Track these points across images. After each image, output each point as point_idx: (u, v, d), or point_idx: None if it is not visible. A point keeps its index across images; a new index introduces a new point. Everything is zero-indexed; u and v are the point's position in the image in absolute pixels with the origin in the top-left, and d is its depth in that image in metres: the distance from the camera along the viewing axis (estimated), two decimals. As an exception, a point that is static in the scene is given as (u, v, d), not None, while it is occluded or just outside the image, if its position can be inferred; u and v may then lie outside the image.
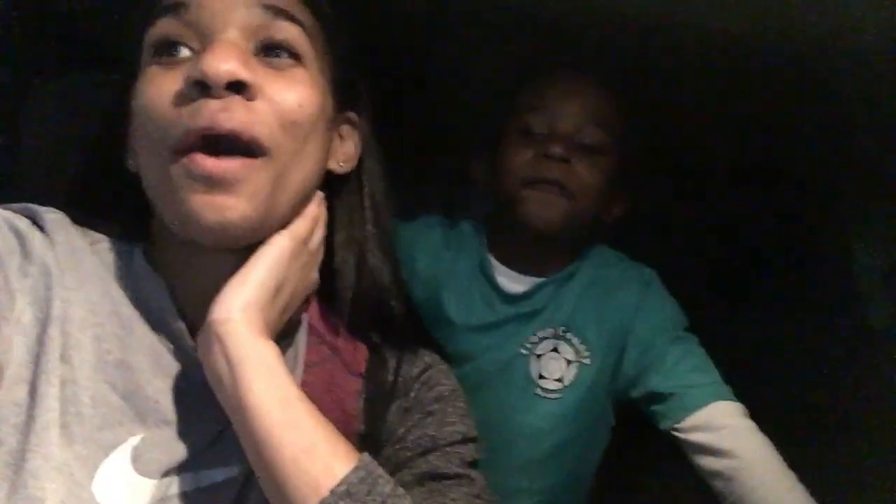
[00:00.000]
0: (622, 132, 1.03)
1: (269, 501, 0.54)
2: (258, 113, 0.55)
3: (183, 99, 0.55)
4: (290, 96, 0.57)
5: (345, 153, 0.68)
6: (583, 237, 1.09)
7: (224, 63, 0.53)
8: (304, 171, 0.60)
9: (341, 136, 0.68)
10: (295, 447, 0.52)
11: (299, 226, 0.61)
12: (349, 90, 0.67)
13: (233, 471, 0.58)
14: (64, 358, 0.53)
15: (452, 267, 1.09)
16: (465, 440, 0.66)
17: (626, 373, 1.05)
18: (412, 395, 0.68)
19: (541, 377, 1.05)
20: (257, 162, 0.55)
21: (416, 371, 0.69)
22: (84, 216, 0.62)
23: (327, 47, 0.63)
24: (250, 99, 0.55)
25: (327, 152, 0.64)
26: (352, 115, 0.69)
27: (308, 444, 0.52)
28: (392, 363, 0.69)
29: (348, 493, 0.51)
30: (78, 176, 0.66)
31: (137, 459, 0.54)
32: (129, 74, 0.60)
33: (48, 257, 0.56)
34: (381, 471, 0.54)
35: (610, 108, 1.02)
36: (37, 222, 0.58)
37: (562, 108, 1.00)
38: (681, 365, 1.01)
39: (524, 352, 1.06)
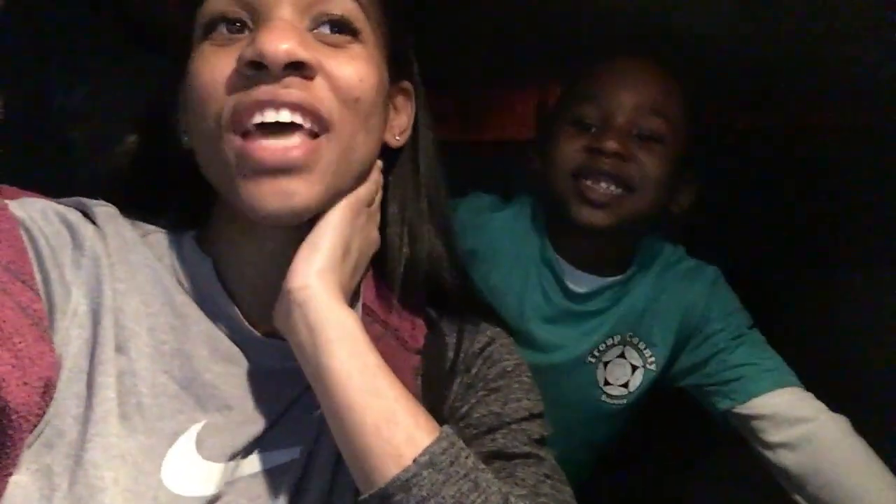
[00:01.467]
0: (684, 117, 0.96)
1: (350, 468, 0.54)
2: (318, 89, 0.55)
3: (239, 78, 0.54)
4: (349, 71, 0.56)
5: (399, 125, 0.67)
6: (646, 231, 1.05)
7: (282, 42, 0.52)
8: (366, 146, 0.59)
9: (395, 108, 0.67)
10: (377, 415, 0.52)
11: (361, 190, 0.61)
12: (403, 60, 0.66)
13: (295, 452, 0.58)
14: (120, 349, 0.54)
15: (511, 251, 1.05)
16: (532, 416, 0.65)
17: (683, 366, 1.05)
18: (473, 371, 0.66)
19: (606, 383, 1.04)
20: (321, 140, 0.55)
21: (477, 346, 0.68)
22: (135, 206, 0.62)
23: (383, 18, 0.61)
24: (309, 78, 0.54)
25: (384, 124, 0.64)
26: (406, 84, 0.67)
27: (390, 413, 0.52)
28: (452, 339, 0.68)
29: (431, 464, 0.50)
30: (132, 157, 0.66)
31: (202, 445, 0.55)
32: (181, 53, 0.59)
33: (99, 249, 0.56)
34: (462, 443, 0.54)
35: (669, 92, 0.95)
36: (88, 215, 0.59)
37: (616, 97, 0.94)
38: (745, 356, 0.99)
39: (592, 360, 1.04)
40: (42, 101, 0.90)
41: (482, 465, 0.54)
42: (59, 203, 0.58)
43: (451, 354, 0.67)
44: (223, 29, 0.56)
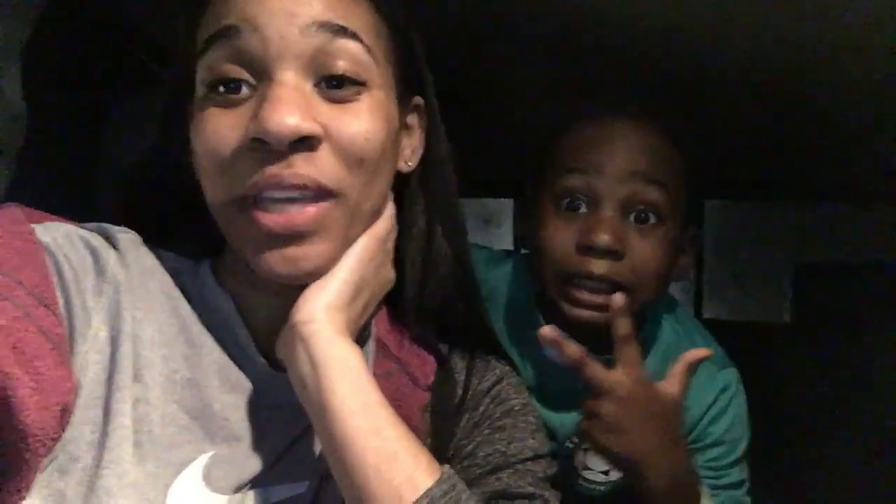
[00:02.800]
0: (684, 186, 0.83)
1: None
2: (323, 162, 0.54)
3: (244, 151, 0.53)
4: (355, 132, 0.55)
5: (411, 146, 0.65)
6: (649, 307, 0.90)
7: (286, 118, 0.51)
8: (374, 199, 0.59)
9: (408, 128, 0.64)
10: (377, 455, 0.51)
11: (379, 226, 0.61)
12: (412, 77, 0.63)
13: (302, 486, 0.58)
14: (136, 377, 0.54)
15: (502, 311, 0.95)
16: (537, 457, 0.65)
17: None
18: (481, 409, 0.66)
19: (586, 468, 0.94)
20: (329, 204, 0.55)
21: (486, 385, 0.68)
22: (154, 234, 0.63)
23: (391, 45, 0.59)
24: (314, 149, 0.53)
25: (396, 159, 0.62)
26: (418, 100, 0.65)
27: (391, 453, 0.52)
28: (461, 376, 0.67)
29: None
30: (143, 187, 0.65)
31: (209, 476, 0.55)
32: (182, 91, 0.58)
33: (121, 276, 0.56)
34: (463, 485, 0.53)
35: (667, 157, 0.81)
36: (110, 241, 0.59)
37: (608, 170, 0.80)
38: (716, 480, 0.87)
39: (570, 445, 0.94)
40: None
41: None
42: (83, 227, 0.59)
43: (459, 391, 0.67)
44: (226, 89, 0.54)
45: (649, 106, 0.83)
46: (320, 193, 0.54)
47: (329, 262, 0.56)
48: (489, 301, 0.93)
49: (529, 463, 0.64)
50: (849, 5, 0.72)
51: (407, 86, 0.62)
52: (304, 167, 0.53)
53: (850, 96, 0.98)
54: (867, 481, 1.32)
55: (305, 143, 0.53)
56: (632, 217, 0.80)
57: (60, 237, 0.55)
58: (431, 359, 0.68)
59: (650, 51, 0.88)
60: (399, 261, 0.66)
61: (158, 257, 0.61)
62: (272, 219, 0.53)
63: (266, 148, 0.52)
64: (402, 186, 0.66)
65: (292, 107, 0.51)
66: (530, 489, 0.62)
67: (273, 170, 0.52)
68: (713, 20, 0.78)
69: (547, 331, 0.74)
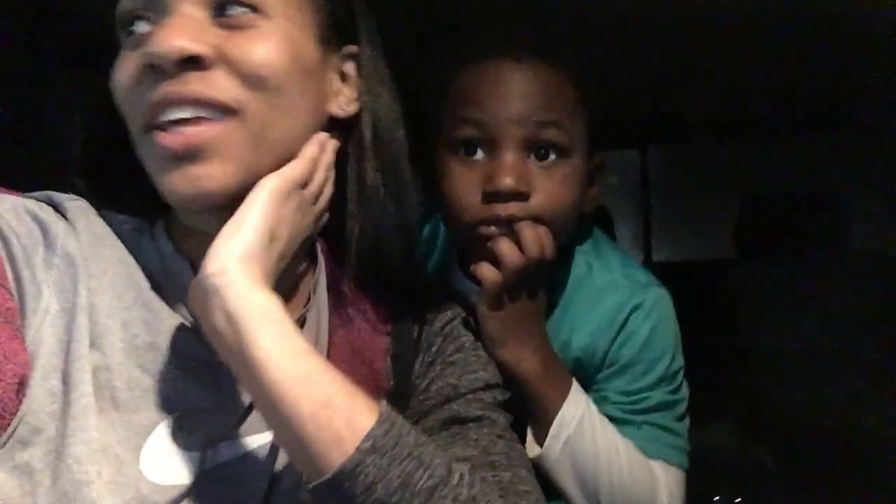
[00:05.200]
0: (588, 120, 0.82)
1: (291, 457, 0.53)
2: (216, 78, 0.54)
3: (142, 78, 0.54)
4: (252, 53, 0.55)
5: (348, 94, 0.64)
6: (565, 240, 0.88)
7: (172, 40, 0.52)
8: (286, 124, 0.58)
9: (344, 76, 0.64)
10: (312, 403, 0.49)
11: (291, 168, 0.58)
12: (341, 23, 0.63)
13: (267, 437, 0.59)
14: (94, 345, 0.54)
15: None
16: (488, 386, 0.67)
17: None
18: (434, 349, 0.69)
19: None
20: (228, 125, 0.54)
21: (438, 325, 0.70)
22: (105, 196, 0.62)
23: None
24: (206, 69, 0.54)
25: (321, 97, 0.61)
26: (352, 48, 0.64)
27: (325, 398, 0.50)
28: (416, 320, 0.70)
29: (374, 449, 0.49)
30: (91, 154, 0.65)
31: (177, 435, 0.55)
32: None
33: (71, 246, 0.56)
34: (402, 420, 0.53)
35: (567, 96, 0.79)
36: (59, 210, 0.58)
37: (502, 116, 0.78)
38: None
39: None
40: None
41: (424, 439, 0.53)
42: (30, 198, 0.58)
43: (414, 334, 0.69)
44: (131, 27, 0.56)
45: (539, 39, 0.81)
46: (218, 111, 0.54)
47: (232, 185, 0.55)
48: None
49: (480, 392, 0.66)
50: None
51: (338, 32, 0.62)
52: (198, 84, 0.53)
53: (787, 27, 1.00)
54: (818, 397, 1.39)
55: (197, 63, 0.53)
56: (532, 156, 0.79)
57: (6, 211, 0.55)
58: (388, 304, 0.69)
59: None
60: (342, 208, 0.65)
61: (109, 223, 0.61)
62: (170, 139, 0.53)
63: (159, 73, 0.53)
64: (345, 140, 0.65)
65: (179, 30, 0.53)
66: (478, 413, 0.64)
67: (166, 88, 0.53)
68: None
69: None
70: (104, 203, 0.62)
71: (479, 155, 0.80)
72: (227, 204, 0.55)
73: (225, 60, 0.54)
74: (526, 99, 0.78)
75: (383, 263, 0.65)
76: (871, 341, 1.30)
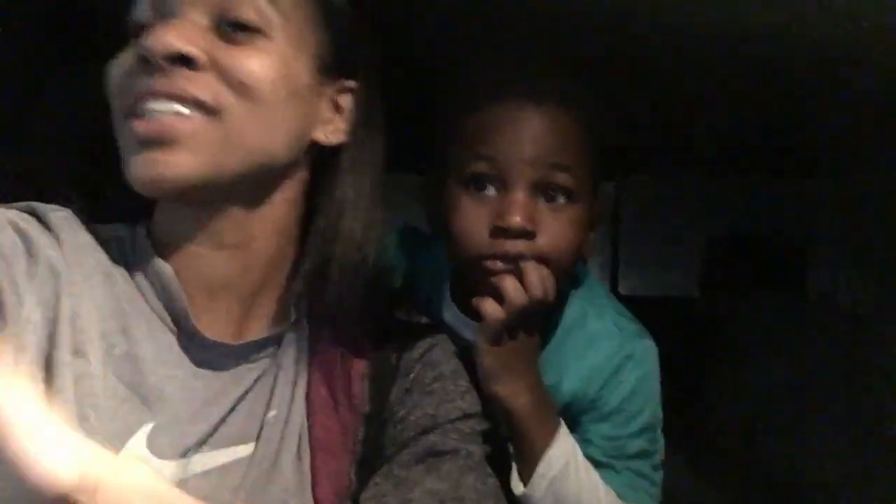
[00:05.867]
0: (596, 166, 0.84)
1: None
2: (205, 80, 0.56)
3: (131, 71, 0.57)
4: (244, 64, 0.58)
5: (336, 125, 0.67)
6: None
7: (164, 37, 0.55)
8: (263, 134, 0.59)
9: (338, 107, 0.67)
10: None
11: None
12: (343, 58, 0.66)
13: (243, 450, 0.61)
14: (77, 353, 0.55)
15: (405, 283, 0.97)
16: (466, 416, 0.67)
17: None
18: (411, 376, 0.68)
19: None
20: (204, 121, 0.56)
21: (417, 353, 0.70)
22: (88, 202, 0.63)
23: (306, 14, 0.62)
24: (195, 70, 0.56)
25: (308, 121, 0.64)
26: (349, 83, 0.67)
27: None
28: (393, 345, 0.70)
29: None
30: (89, 153, 0.67)
31: (153, 444, 0.57)
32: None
33: (54, 257, 0.57)
34: None
35: (580, 141, 0.81)
36: (42, 220, 0.59)
37: (515, 156, 0.79)
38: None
39: None
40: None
41: None
42: (12, 209, 0.59)
43: (393, 361, 0.69)
44: (139, 33, 0.58)
45: (557, 82, 0.83)
46: (198, 109, 0.56)
47: (193, 177, 0.56)
48: (408, 283, 0.97)
49: (458, 422, 0.66)
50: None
51: (338, 65, 0.65)
52: (182, 82, 0.56)
53: (761, 72, 1.01)
54: (776, 439, 1.39)
55: (187, 63, 0.56)
56: (541, 197, 0.80)
57: None
58: (362, 329, 0.69)
59: (560, 24, 0.89)
60: (308, 236, 0.67)
61: (93, 232, 0.62)
62: (143, 124, 0.56)
63: (150, 68, 0.55)
64: (324, 165, 0.67)
65: (175, 29, 0.56)
66: (455, 444, 0.65)
67: (152, 80, 0.56)
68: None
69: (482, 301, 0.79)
70: (93, 208, 0.63)
71: (490, 191, 0.81)
72: (188, 196, 0.58)
73: (216, 67, 0.57)
74: (541, 142, 0.79)
75: (338, 288, 0.65)
76: (837, 391, 1.31)
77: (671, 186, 1.75)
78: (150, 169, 0.56)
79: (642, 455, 0.88)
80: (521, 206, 0.78)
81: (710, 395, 1.50)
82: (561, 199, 0.81)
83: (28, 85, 0.91)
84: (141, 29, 0.58)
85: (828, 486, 1.26)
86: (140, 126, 0.55)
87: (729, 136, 1.39)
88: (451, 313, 0.91)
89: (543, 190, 0.80)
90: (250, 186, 0.61)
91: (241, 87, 0.57)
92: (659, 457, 0.91)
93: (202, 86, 0.56)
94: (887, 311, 1.37)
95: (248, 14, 0.58)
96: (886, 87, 1.03)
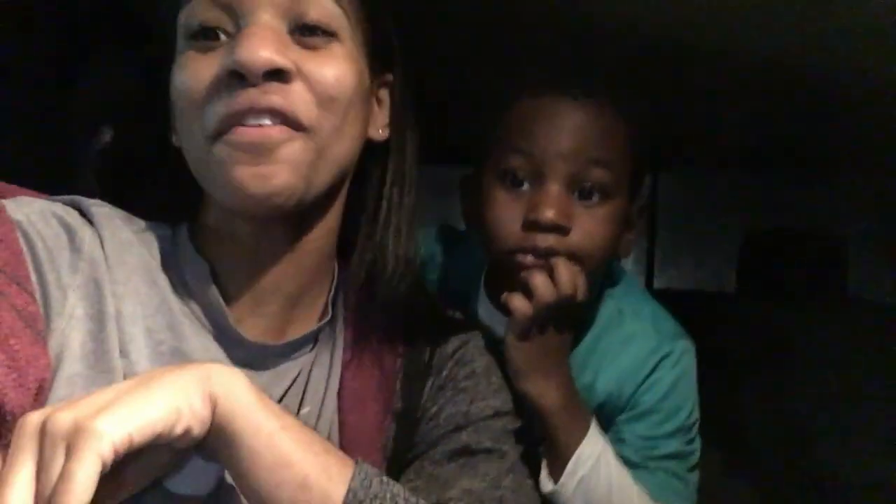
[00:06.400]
0: (630, 163, 0.83)
1: None
2: (296, 93, 0.55)
3: (220, 86, 0.55)
4: (327, 73, 0.57)
5: (383, 118, 0.67)
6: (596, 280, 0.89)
7: (260, 51, 0.53)
8: (344, 144, 0.60)
9: (379, 101, 0.67)
10: (290, 485, 0.50)
11: None
12: (385, 50, 0.66)
13: None
14: (122, 353, 0.55)
15: (441, 280, 0.98)
16: (498, 414, 0.67)
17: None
18: (444, 373, 0.68)
19: None
20: (300, 137, 0.56)
21: (450, 349, 0.70)
22: (130, 198, 0.63)
23: (363, 13, 0.62)
24: (287, 82, 0.55)
25: (367, 121, 0.64)
26: (388, 76, 0.68)
27: (302, 479, 0.50)
28: (428, 342, 0.70)
29: None
30: (123, 151, 0.67)
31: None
32: (164, 51, 0.60)
33: (97, 253, 0.57)
34: (378, 484, 0.53)
35: (614, 133, 0.80)
36: (85, 215, 0.59)
37: (551, 150, 0.78)
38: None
39: None
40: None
41: (401, 493, 0.54)
42: (56, 201, 0.59)
43: (426, 358, 0.69)
44: (206, 36, 0.57)
45: (597, 80, 0.82)
46: (293, 125, 0.55)
47: (294, 193, 0.56)
48: (444, 280, 0.97)
49: (490, 420, 0.66)
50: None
51: (378, 59, 0.64)
52: (279, 97, 0.55)
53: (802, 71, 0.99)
54: (808, 442, 1.37)
55: (279, 76, 0.55)
56: (576, 193, 0.80)
57: (33, 214, 0.55)
58: (402, 327, 0.69)
59: (604, 21, 0.89)
60: (356, 229, 0.67)
61: (134, 229, 0.61)
62: (250, 131, 0.54)
63: (241, 82, 0.54)
64: (373, 160, 0.67)
65: (266, 41, 0.54)
66: (489, 444, 0.64)
67: (249, 96, 0.54)
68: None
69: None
70: (127, 206, 0.62)
71: (525, 186, 0.81)
72: (276, 211, 0.57)
73: (302, 77, 0.56)
74: (578, 137, 0.79)
75: (389, 284, 0.66)
76: (883, 393, 1.29)
77: (708, 181, 1.72)
78: (261, 183, 0.54)
79: (677, 456, 0.87)
80: (555, 201, 0.78)
81: (748, 396, 1.48)
82: (596, 197, 0.80)
83: (59, 77, 0.92)
84: (201, 32, 0.57)
85: (873, 488, 1.24)
86: (245, 133, 0.54)
87: (763, 133, 1.37)
88: (484, 309, 0.91)
89: (579, 186, 0.79)
90: (319, 195, 0.60)
91: (326, 99, 0.57)
92: (694, 458, 0.90)
93: (296, 100, 0.55)
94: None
95: (320, 16, 0.57)
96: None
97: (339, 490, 0.51)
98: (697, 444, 0.90)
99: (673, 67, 1.04)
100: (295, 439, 0.51)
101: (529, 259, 0.79)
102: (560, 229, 0.78)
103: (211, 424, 0.48)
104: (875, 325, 1.44)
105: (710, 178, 1.72)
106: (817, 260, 1.60)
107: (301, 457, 0.51)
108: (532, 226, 0.78)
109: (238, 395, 0.49)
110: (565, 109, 0.80)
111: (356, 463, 0.53)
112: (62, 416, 0.41)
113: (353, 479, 0.52)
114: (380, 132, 0.66)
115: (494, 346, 0.75)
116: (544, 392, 0.78)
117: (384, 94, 0.68)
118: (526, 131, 0.80)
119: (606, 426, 0.86)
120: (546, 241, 0.78)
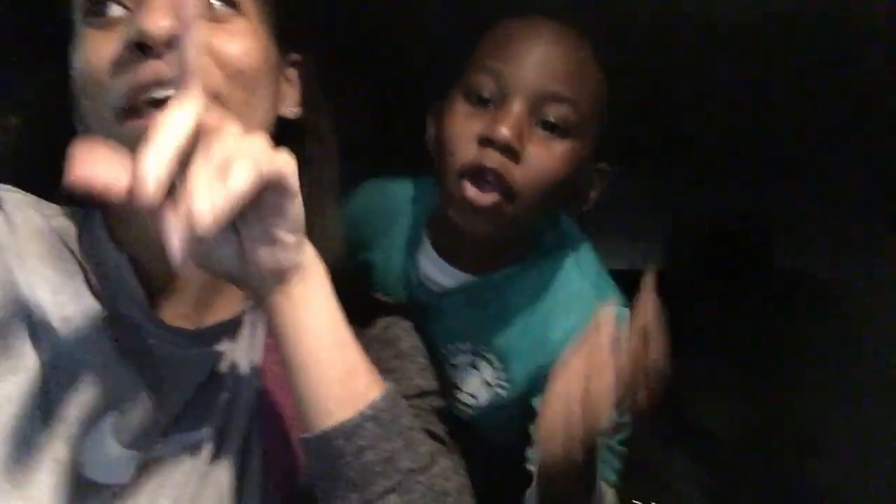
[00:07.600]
0: (602, 107, 0.81)
1: (299, 407, 0.55)
2: (202, 64, 0.54)
3: (123, 61, 0.53)
4: (233, 47, 0.56)
5: (294, 98, 0.67)
6: (544, 229, 0.90)
7: (162, 20, 0.51)
8: (255, 120, 0.59)
9: (289, 80, 0.67)
10: (342, 368, 0.54)
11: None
12: (292, 31, 0.66)
13: (204, 434, 0.60)
14: (35, 343, 0.54)
15: (384, 231, 0.96)
16: (423, 393, 0.69)
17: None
18: (370, 354, 0.66)
19: (455, 387, 0.92)
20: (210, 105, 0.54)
21: (376, 331, 0.70)
22: (42, 185, 0.61)
23: None
24: None
25: (276, 97, 0.64)
26: (295, 56, 0.67)
27: (353, 366, 0.55)
28: (353, 323, 0.67)
29: (375, 417, 0.54)
30: (29, 144, 0.66)
31: (116, 432, 0.56)
32: (64, 38, 0.58)
33: (8, 240, 0.56)
34: (404, 402, 0.58)
35: (587, 73, 0.79)
36: None
37: (519, 69, 0.77)
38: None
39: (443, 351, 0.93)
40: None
41: (416, 425, 0.57)
42: None
43: None
44: (101, 9, 0.55)
45: (574, 28, 0.81)
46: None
47: None
48: (389, 224, 0.95)
49: (416, 399, 0.67)
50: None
51: (286, 38, 0.64)
52: None
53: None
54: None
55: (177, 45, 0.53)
56: (538, 124, 0.77)
57: None
58: None
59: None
60: None
61: (46, 216, 0.61)
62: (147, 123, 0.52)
63: (145, 54, 0.52)
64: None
65: (167, 11, 0.51)
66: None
67: (153, 68, 0.52)
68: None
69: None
70: (43, 191, 0.62)
71: (490, 107, 0.78)
72: None
73: (207, 49, 0.55)
74: (548, 63, 0.77)
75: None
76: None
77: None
78: None
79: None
80: (514, 120, 0.75)
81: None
82: (557, 130, 0.77)
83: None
84: (100, 4, 0.54)
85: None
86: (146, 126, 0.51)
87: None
88: (426, 256, 0.90)
89: (541, 115, 0.77)
90: None
91: (235, 73, 0.56)
92: (626, 430, 0.86)
93: (205, 71, 0.54)
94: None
95: None
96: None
97: (375, 388, 0.55)
98: (628, 417, 0.86)
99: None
100: (350, 336, 0.56)
101: (473, 192, 0.77)
102: (512, 152, 0.75)
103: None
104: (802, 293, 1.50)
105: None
106: (744, 241, 1.64)
107: (356, 348, 0.56)
108: (485, 142, 0.76)
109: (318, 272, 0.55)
110: (540, 34, 0.78)
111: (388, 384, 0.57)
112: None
113: (387, 388, 0.56)
114: (292, 109, 0.66)
115: (418, 327, 0.74)
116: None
117: (292, 73, 0.67)
118: (498, 50, 0.79)
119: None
120: (494, 159, 0.75)
